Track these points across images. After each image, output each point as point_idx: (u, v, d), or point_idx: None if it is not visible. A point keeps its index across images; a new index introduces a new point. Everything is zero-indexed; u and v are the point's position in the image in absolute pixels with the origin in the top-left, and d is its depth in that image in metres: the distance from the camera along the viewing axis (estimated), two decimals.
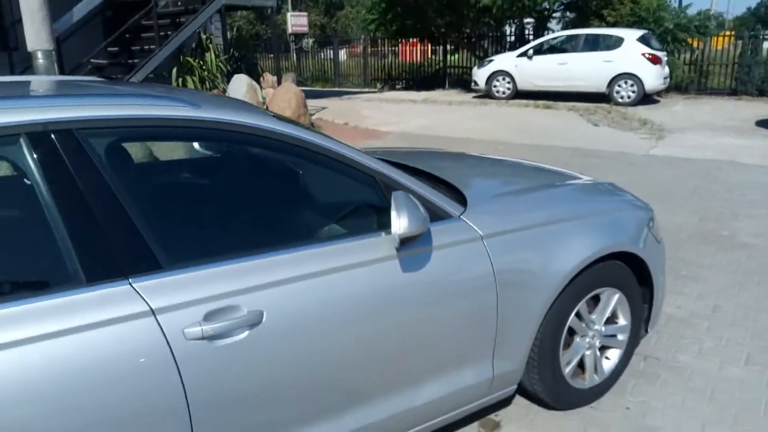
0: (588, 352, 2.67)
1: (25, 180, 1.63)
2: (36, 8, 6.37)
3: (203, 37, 9.05)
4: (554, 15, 16.57)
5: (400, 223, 1.88)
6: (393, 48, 20.46)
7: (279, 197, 2.21)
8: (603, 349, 2.76)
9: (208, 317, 1.67)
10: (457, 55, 18.99)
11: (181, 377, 1.63)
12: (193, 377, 1.64)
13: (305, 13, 19.87)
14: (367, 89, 18.87)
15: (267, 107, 9.04)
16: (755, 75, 14.09)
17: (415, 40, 19.34)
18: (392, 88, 18.82)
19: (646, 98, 12.99)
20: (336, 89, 19.36)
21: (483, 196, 2.48)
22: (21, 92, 1.92)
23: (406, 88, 18.56)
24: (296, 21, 20.48)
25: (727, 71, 14.96)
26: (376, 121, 11.51)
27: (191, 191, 2.39)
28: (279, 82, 10.07)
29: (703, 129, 10.22)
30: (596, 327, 2.66)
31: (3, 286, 1.57)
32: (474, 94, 15.39)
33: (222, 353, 1.68)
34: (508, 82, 14.12)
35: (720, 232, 4.99)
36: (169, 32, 8.41)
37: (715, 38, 15.35)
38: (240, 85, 8.75)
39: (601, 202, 2.81)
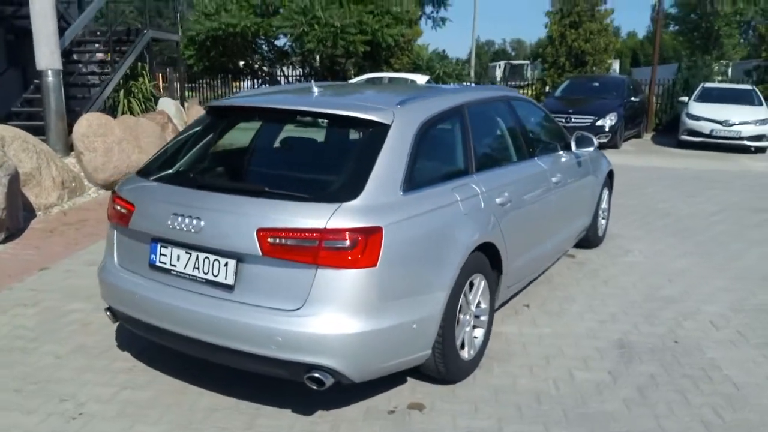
0: (603, 221, 5.69)
1: (501, 115, 4.00)
2: (51, 32, 7.13)
3: (139, 65, 9.93)
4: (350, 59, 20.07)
5: (595, 142, 4.64)
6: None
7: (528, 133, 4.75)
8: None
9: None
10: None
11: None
12: None
13: None
14: None
15: (187, 123, 10.35)
16: None
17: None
18: None
19: None
20: None
21: None
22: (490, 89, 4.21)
23: None
24: None
25: None
26: None
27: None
28: (182, 104, 11.28)
29: None
30: (603, 205, 5.69)
31: (529, 152, 3.95)
32: None
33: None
34: None
35: None
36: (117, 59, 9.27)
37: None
38: (169, 106, 9.90)
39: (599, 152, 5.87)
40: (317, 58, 19.91)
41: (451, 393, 3.09)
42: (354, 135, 3.06)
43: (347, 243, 2.46)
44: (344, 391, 2.99)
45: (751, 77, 18.30)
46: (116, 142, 7.39)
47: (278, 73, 20.23)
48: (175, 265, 2.76)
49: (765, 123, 13.40)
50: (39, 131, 7.61)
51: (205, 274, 2.67)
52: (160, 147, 8.48)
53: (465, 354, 3.17)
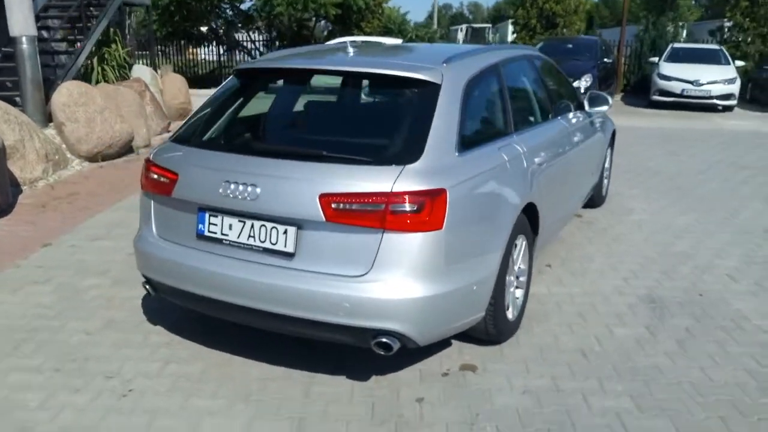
0: (605, 180, 5.76)
1: (527, 73, 3.96)
2: None
3: (111, 30, 9.44)
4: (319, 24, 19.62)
5: (610, 101, 4.64)
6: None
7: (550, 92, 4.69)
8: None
9: None
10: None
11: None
12: None
13: None
14: None
15: (162, 91, 9.98)
16: None
17: None
18: None
19: None
20: None
21: None
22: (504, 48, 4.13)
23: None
24: None
25: None
26: None
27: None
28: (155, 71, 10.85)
29: None
30: (606, 165, 5.76)
31: (554, 111, 3.93)
32: None
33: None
34: None
35: None
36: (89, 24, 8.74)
37: None
38: (145, 73, 9.51)
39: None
40: (285, 21, 19.39)
41: (498, 353, 3.10)
42: (403, 95, 2.97)
43: (415, 206, 2.41)
44: (394, 356, 2.98)
45: (716, 37, 18.63)
46: (98, 111, 7.08)
47: (244, 39, 19.66)
48: (227, 235, 2.66)
49: (733, 82, 13.72)
50: (8, 102, 7.20)
51: (262, 242, 2.59)
52: (140, 116, 8.26)
53: (509, 315, 3.18)
